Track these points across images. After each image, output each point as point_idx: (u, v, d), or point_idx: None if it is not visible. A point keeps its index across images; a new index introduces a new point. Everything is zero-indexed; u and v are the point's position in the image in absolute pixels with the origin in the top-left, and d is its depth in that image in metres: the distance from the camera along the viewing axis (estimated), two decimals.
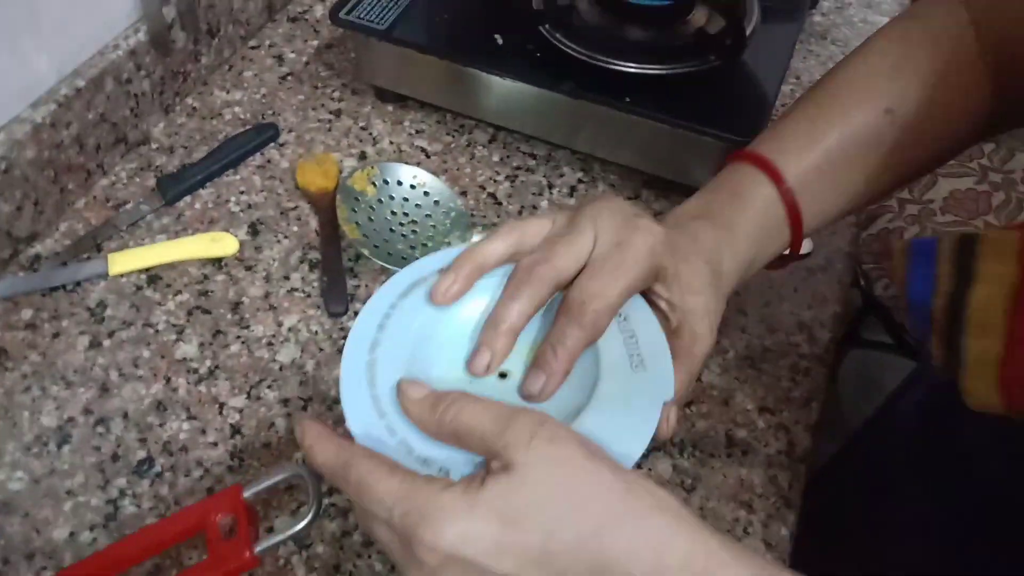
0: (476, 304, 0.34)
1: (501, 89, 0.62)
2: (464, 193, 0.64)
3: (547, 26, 0.63)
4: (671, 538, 0.27)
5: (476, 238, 0.60)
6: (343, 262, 0.58)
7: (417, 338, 0.33)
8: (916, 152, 0.45)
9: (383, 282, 0.35)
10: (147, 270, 0.58)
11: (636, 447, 0.30)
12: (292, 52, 0.75)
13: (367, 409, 0.31)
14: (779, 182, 0.41)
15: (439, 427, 0.30)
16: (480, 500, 0.27)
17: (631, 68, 0.60)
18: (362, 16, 0.64)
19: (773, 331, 0.56)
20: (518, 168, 0.66)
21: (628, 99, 0.58)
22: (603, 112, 0.60)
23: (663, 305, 0.36)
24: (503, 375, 0.33)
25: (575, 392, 0.32)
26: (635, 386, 0.31)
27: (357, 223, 0.58)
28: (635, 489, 0.28)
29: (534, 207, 0.63)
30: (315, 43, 0.75)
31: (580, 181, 0.65)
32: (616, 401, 0.31)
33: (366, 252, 0.56)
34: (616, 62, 0.60)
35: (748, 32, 0.64)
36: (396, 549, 0.29)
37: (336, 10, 0.64)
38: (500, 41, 0.62)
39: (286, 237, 0.60)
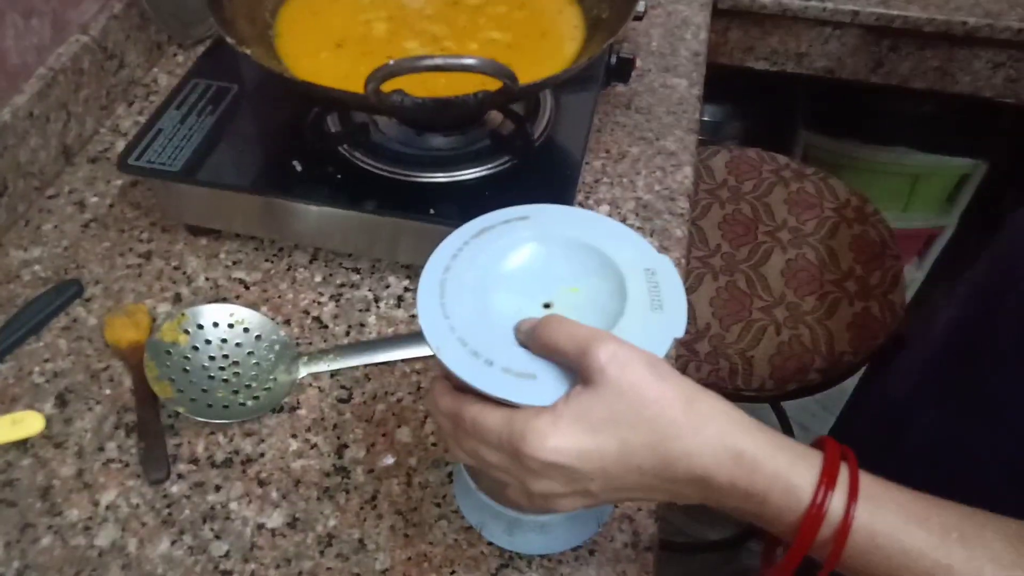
0: (527, 250, 0.41)
1: (309, 214, 0.62)
2: (288, 321, 0.62)
3: (345, 146, 0.63)
4: (724, 439, 0.33)
5: (303, 371, 0.58)
6: (161, 421, 0.55)
7: (482, 271, 0.40)
8: None
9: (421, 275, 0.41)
10: None
11: None
12: (95, 196, 0.71)
13: (445, 332, 0.37)
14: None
15: (536, 344, 0.36)
16: (564, 418, 0.34)
17: (431, 178, 0.61)
18: (153, 159, 0.62)
19: None
20: (342, 285, 0.65)
21: (432, 210, 0.59)
22: (412, 225, 0.60)
23: None
24: (547, 305, 0.39)
25: (601, 319, 0.38)
26: (652, 322, 0.37)
27: (171, 379, 0.55)
28: (695, 402, 0.34)
29: (361, 324, 0.62)
30: (119, 183, 0.72)
31: (407, 290, 0.65)
32: (634, 332, 0.37)
33: (182, 410, 0.54)
34: (416, 174, 0.61)
35: (543, 126, 0.66)
36: (506, 464, 0.36)
37: (125, 157, 0.62)
38: (299, 167, 0.62)
39: (98, 403, 0.57)
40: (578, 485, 0.35)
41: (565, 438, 0.34)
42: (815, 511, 0.33)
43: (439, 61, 0.47)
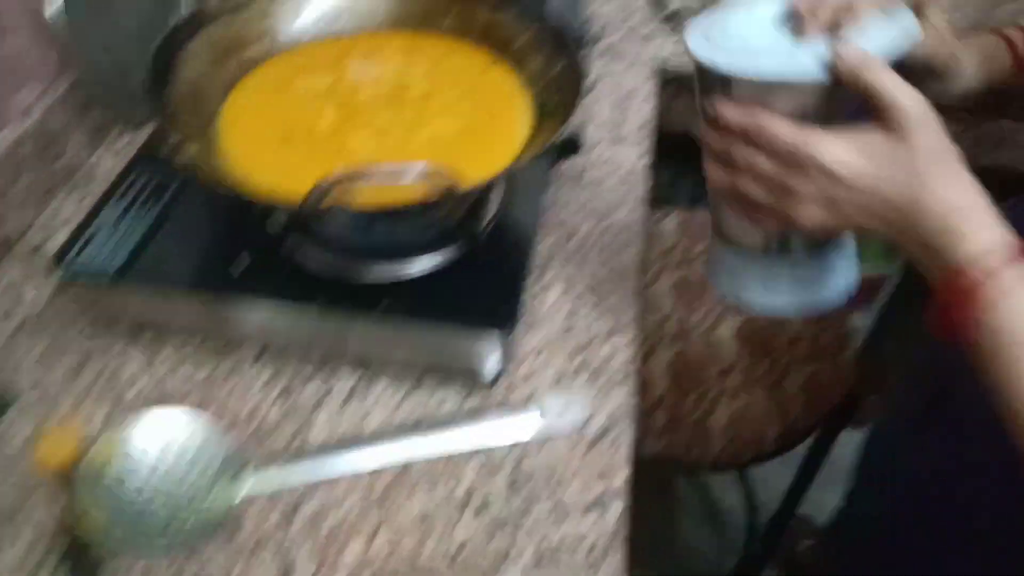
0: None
1: (254, 312, 0.60)
2: (233, 424, 0.60)
3: (291, 240, 0.61)
4: (958, 192, 0.42)
5: (246, 485, 0.56)
6: (95, 552, 0.52)
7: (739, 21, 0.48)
8: None
9: None
10: None
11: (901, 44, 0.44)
12: (33, 289, 0.69)
13: (728, 54, 0.45)
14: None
15: (850, 74, 0.42)
16: (853, 142, 0.43)
17: (380, 273, 0.60)
18: (91, 260, 0.60)
19: (563, 519, 0.55)
20: (291, 381, 0.63)
21: (380, 306, 0.57)
22: (360, 323, 0.58)
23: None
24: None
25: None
26: (886, 26, 0.45)
27: (102, 508, 0.52)
28: (951, 165, 0.42)
29: (309, 426, 0.60)
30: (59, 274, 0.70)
31: (360, 379, 0.63)
32: (871, 32, 0.44)
33: (111, 546, 0.51)
34: (364, 268, 0.60)
35: (494, 210, 0.66)
36: (777, 170, 0.44)
37: (61, 256, 0.60)
38: (243, 264, 0.60)
39: (30, 526, 0.54)
40: (829, 191, 0.43)
41: (847, 154, 0.42)
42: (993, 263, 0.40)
43: (376, 178, 0.47)
